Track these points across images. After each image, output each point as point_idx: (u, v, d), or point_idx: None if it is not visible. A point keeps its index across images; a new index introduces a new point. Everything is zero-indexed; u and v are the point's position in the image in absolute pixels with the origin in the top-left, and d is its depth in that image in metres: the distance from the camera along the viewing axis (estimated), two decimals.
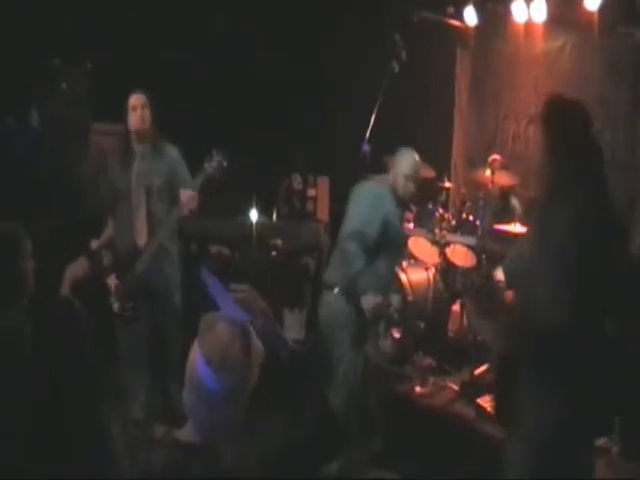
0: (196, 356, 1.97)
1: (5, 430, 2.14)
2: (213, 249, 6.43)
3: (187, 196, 4.36)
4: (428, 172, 5.80)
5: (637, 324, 4.42)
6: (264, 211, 6.55)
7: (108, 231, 4.71)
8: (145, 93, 4.53)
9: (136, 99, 4.50)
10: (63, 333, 2.32)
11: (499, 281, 4.94)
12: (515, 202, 5.92)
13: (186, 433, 1.96)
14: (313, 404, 3.86)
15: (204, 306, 2.28)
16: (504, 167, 5.71)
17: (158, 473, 1.85)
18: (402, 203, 4.66)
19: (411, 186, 4.56)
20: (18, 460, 2.08)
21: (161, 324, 4.67)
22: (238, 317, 2.16)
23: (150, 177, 4.50)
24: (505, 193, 5.85)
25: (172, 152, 4.64)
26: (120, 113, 4.50)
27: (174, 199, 4.46)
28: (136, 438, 2.00)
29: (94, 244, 4.69)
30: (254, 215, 6.40)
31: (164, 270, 4.60)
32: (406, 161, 4.56)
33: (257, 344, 2.07)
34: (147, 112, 4.50)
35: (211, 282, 2.70)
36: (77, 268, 4.64)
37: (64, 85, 5.08)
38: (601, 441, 4.37)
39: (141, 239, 4.49)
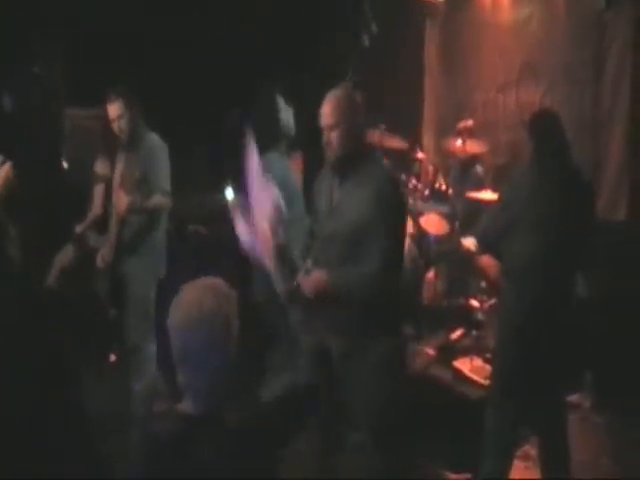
0: (170, 324, 2.03)
1: None
2: (190, 228, 6.43)
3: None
4: (400, 144, 5.89)
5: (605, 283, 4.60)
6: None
7: (92, 213, 4.72)
8: (121, 97, 4.31)
9: (111, 110, 4.35)
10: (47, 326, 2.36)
11: (467, 250, 5.10)
12: (479, 169, 6.01)
13: (185, 406, 2.02)
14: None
15: None
16: (474, 134, 5.81)
17: (162, 445, 1.93)
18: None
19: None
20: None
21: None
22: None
23: (125, 168, 4.46)
24: (470, 161, 5.95)
25: (151, 142, 4.50)
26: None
27: (149, 192, 4.41)
28: (140, 413, 2.06)
29: (78, 228, 4.75)
30: (230, 193, 6.34)
31: (123, 268, 4.53)
32: None
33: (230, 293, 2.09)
34: (124, 122, 4.35)
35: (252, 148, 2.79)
36: (64, 256, 4.68)
37: (37, 69, 5.05)
38: (573, 397, 4.57)
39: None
